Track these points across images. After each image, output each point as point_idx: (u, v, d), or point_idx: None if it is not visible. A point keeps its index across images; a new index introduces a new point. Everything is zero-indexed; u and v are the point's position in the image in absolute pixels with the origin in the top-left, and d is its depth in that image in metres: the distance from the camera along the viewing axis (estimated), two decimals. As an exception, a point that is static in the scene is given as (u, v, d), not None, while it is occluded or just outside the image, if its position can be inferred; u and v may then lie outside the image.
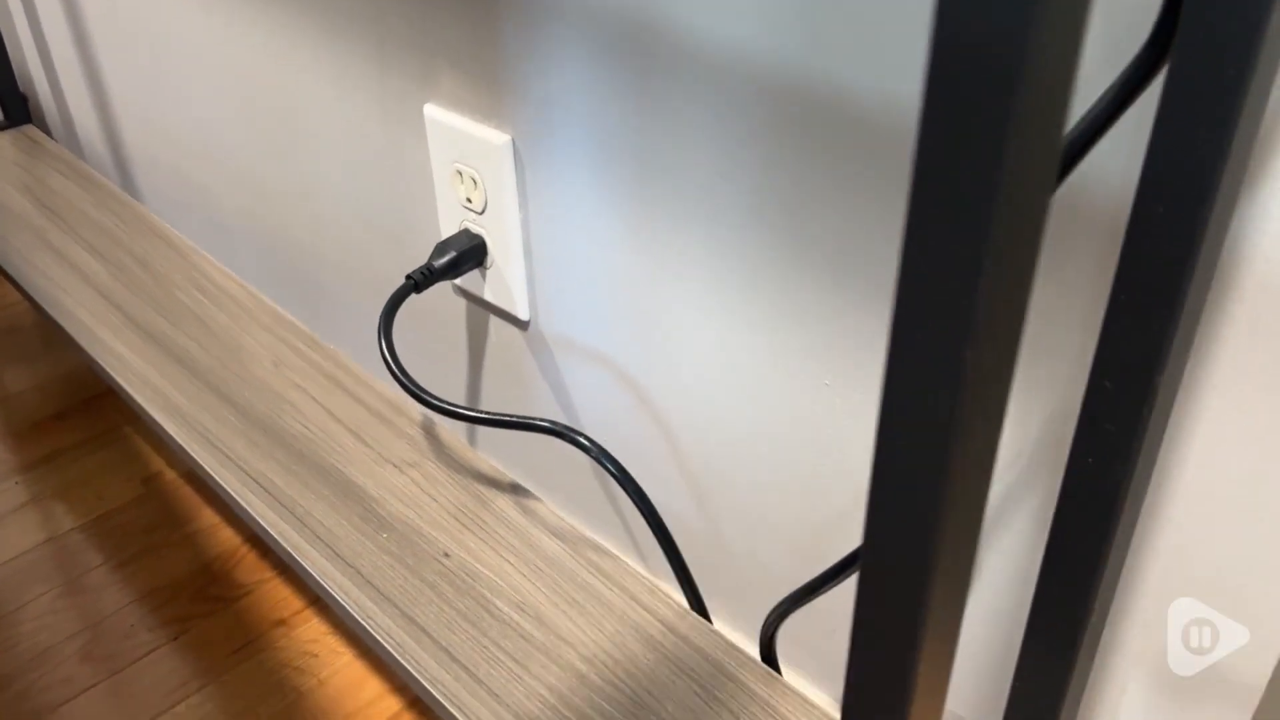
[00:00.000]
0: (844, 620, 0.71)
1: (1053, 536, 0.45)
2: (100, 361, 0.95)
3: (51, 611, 0.99)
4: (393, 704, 0.90)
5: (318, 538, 0.76)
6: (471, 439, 0.96)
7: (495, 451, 0.94)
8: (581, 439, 0.72)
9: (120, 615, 0.99)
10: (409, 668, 0.66)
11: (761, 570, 0.73)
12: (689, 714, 0.63)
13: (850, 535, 0.66)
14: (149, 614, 0.99)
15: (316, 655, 0.95)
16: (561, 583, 0.72)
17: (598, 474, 0.85)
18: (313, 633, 0.97)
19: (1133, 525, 0.50)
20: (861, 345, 0.58)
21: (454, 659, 0.67)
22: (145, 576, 1.03)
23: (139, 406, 0.90)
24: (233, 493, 0.80)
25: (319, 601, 1.00)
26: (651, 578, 0.74)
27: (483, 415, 0.73)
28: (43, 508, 1.11)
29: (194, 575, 1.03)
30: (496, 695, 0.65)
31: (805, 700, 0.64)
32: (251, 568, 1.04)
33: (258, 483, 0.81)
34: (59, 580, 1.03)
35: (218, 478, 0.81)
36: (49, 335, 1.40)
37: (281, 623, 0.98)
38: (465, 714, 0.64)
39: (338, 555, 0.74)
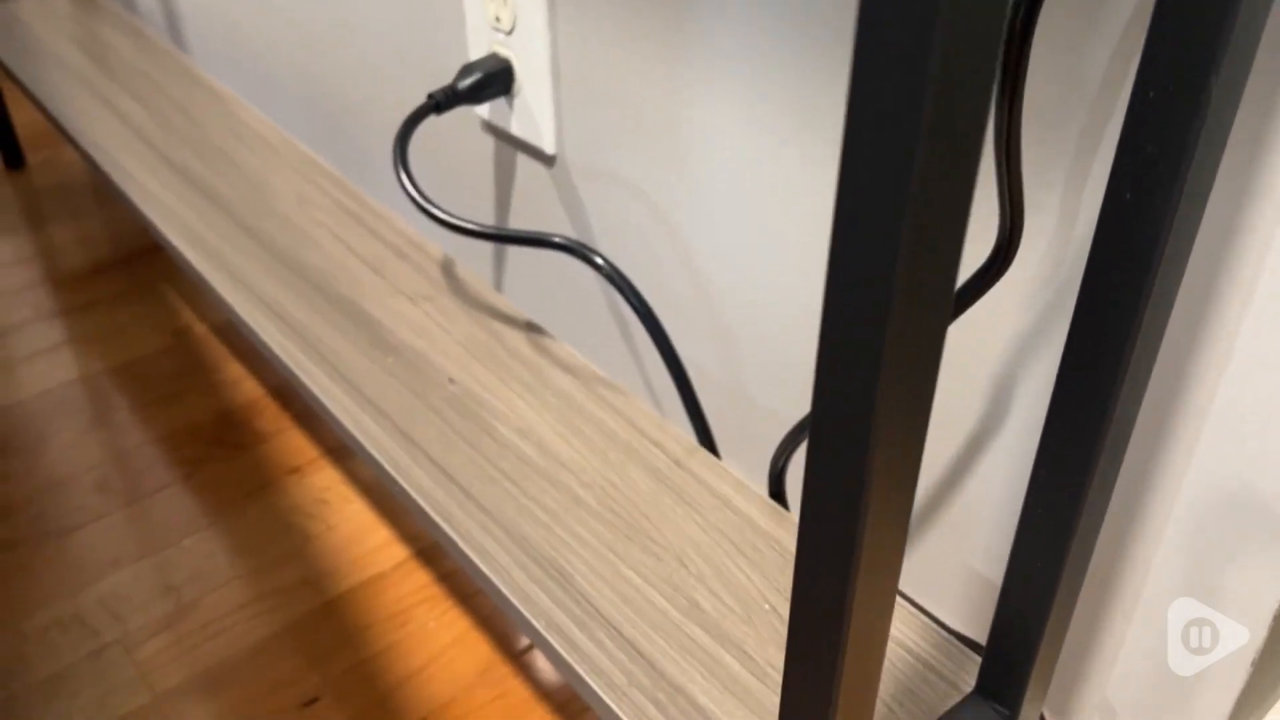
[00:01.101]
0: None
1: (1072, 332, 0.40)
2: (127, 191, 0.93)
3: (73, 445, 0.99)
4: (399, 552, 0.88)
5: (321, 356, 0.73)
6: (498, 284, 0.92)
7: (517, 297, 0.91)
8: (596, 258, 0.68)
9: (138, 453, 0.98)
10: (400, 480, 0.64)
11: (779, 422, 0.69)
12: (688, 541, 0.60)
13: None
14: (166, 454, 0.98)
15: (328, 502, 0.93)
16: (568, 414, 0.69)
17: (619, 320, 0.81)
18: (326, 481, 0.95)
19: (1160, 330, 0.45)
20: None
21: (448, 475, 0.64)
22: (166, 420, 1.02)
23: (156, 229, 0.88)
24: (237, 309, 0.78)
25: (334, 451, 0.98)
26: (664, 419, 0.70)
27: (490, 230, 0.70)
28: (76, 350, 1.11)
29: (214, 422, 1.02)
30: (488, 511, 0.62)
31: (812, 539, 0.60)
32: (272, 417, 1.03)
33: (265, 304, 0.79)
34: (84, 417, 1.02)
35: (221, 292, 0.80)
36: (101, 193, 1.40)
37: (296, 470, 0.97)
38: (453, 526, 0.61)
39: (339, 374, 0.72)
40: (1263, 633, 0.51)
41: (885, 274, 0.26)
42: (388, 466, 0.64)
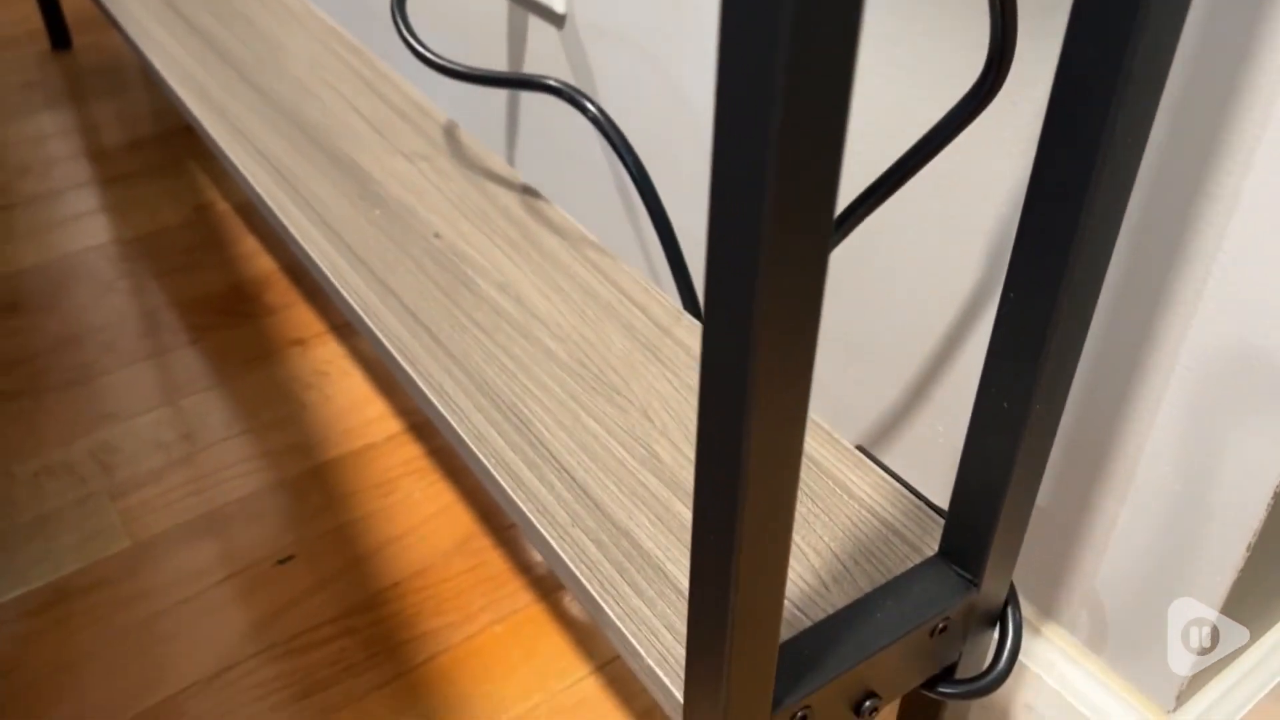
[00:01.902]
0: (835, 326, 0.63)
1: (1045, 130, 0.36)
2: (140, 45, 0.92)
3: (86, 307, 0.99)
4: (392, 425, 0.87)
5: (307, 203, 0.71)
6: (511, 159, 0.90)
7: (526, 171, 0.88)
8: (588, 104, 0.64)
9: (147, 318, 0.98)
10: (369, 323, 0.62)
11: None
12: (656, 397, 0.57)
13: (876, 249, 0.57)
14: (175, 320, 0.98)
15: (327, 375, 0.92)
16: (552, 272, 0.66)
17: (624, 198, 0.78)
18: (328, 354, 0.94)
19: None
20: (933, 32, 0.49)
21: (417, 320, 0.62)
22: (178, 288, 1.02)
23: (163, 80, 0.87)
24: (228, 152, 0.76)
25: (339, 328, 0.97)
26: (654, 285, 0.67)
27: (480, 73, 0.67)
28: (101, 219, 1.11)
29: (225, 292, 1.01)
30: (453, 355, 0.59)
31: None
32: (282, 292, 1.01)
33: (261, 152, 0.77)
34: (99, 281, 1.02)
35: (215, 136, 0.78)
36: (140, 75, 1.40)
37: (300, 342, 0.95)
38: (415, 366, 0.58)
39: (323, 220, 0.70)
40: (1261, 510, 0.46)
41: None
42: (356, 306, 0.62)
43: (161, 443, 0.85)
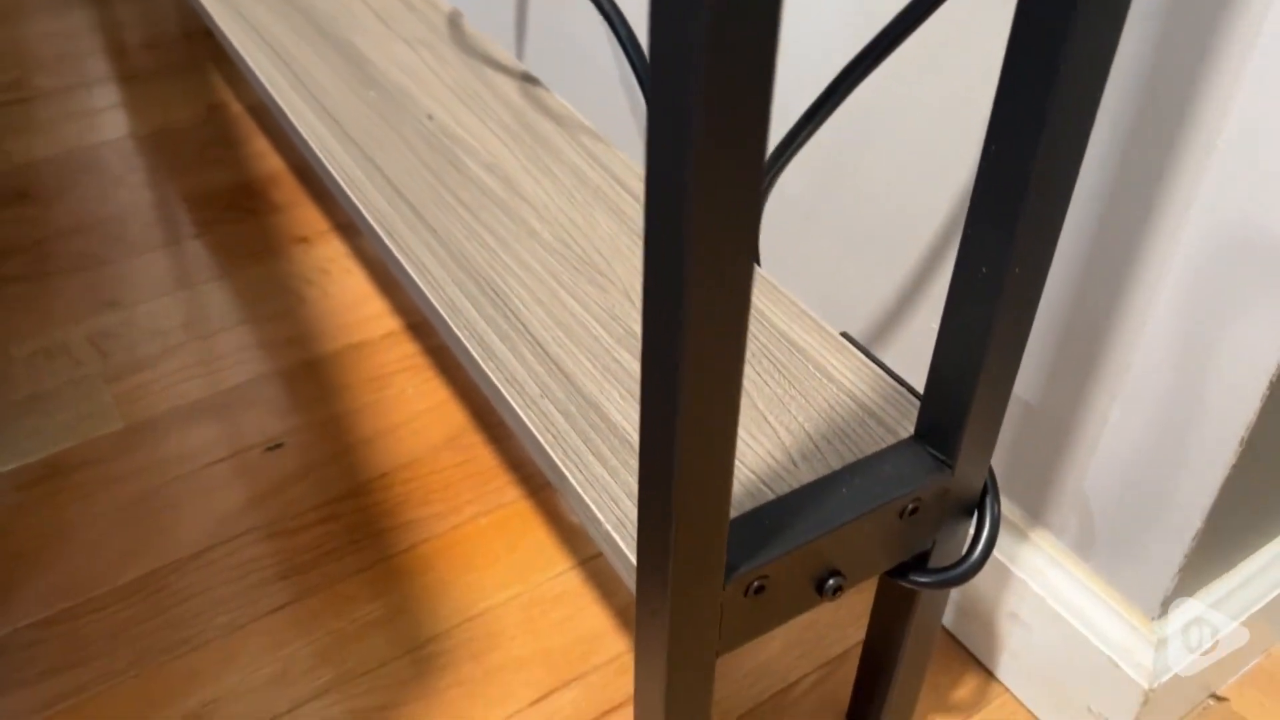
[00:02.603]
0: (829, 216, 0.61)
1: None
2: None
3: (94, 198, 0.99)
4: (391, 323, 0.86)
5: (298, 80, 0.70)
6: (520, 53, 0.88)
7: (530, 63, 0.86)
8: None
9: (152, 209, 0.98)
10: (351, 195, 0.60)
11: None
12: (640, 279, 0.55)
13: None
14: (181, 214, 0.97)
15: (329, 272, 0.91)
16: (543, 156, 0.64)
17: (629, 92, 0.76)
18: (331, 253, 0.93)
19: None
20: None
21: (400, 194, 0.61)
22: (186, 183, 1.01)
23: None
24: (221, 25, 0.75)
25: (344, 227, 0.96)
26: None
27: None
28: (116, 115, 1.11)
29: (232, 189, 1.01)
30: (433, 230, 0.58)
31: (778, 290, 0.55)
32: (288, 191, 1.01)
33: (259, 32, 0.75)
34: (109, 174, 1.02)
35: (211, 12, 0.77)
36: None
37: (303, 240, 0.95)
38: (394, 238, 0.57)
39: (314, 98, 0.68)
40: (1256, 402, 0.44)
41: None
42: (339, 179, 0.61)
43: (159, 331, 0.84)
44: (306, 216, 0.97)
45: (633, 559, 0.41)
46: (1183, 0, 0.41)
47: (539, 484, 0.73)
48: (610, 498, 0.44)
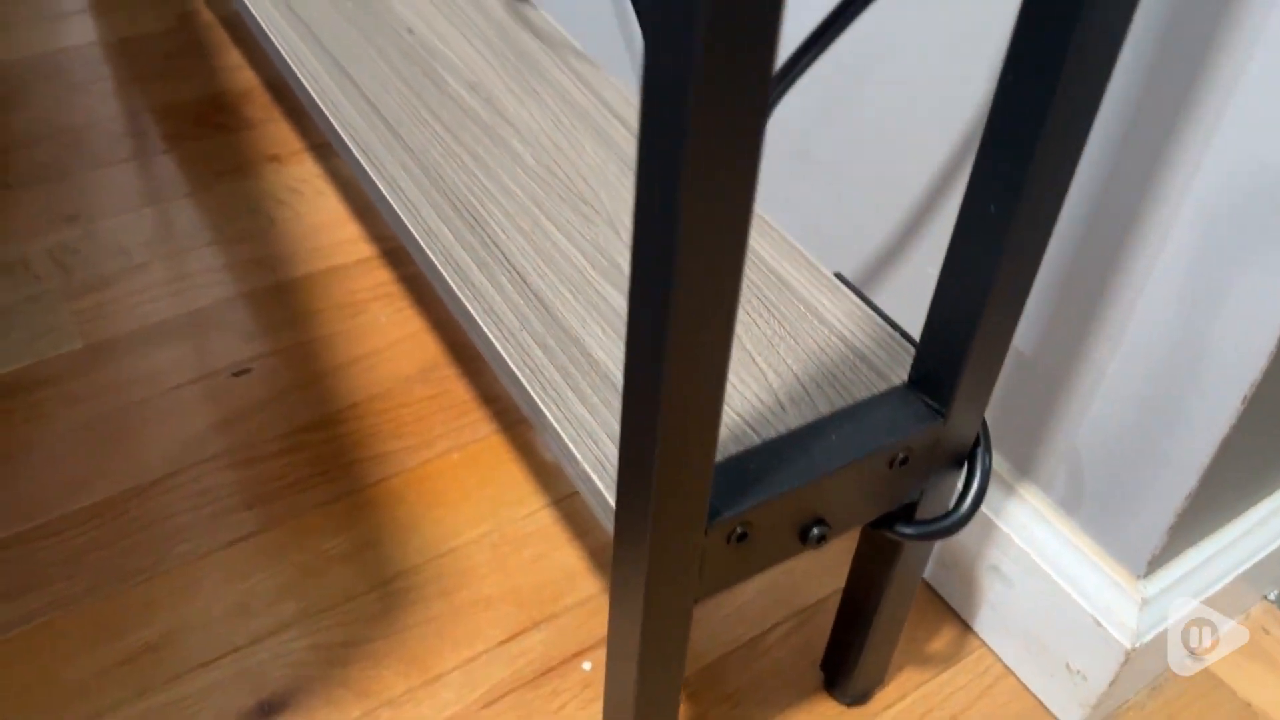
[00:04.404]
0: (827, 155, 0.59)
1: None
2: None
3: (54, 107, 0.94)
4: (365, 249, 0.83)
5: (274, -13, 0.66)
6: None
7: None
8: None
9: (118, 121, 0.93)
10: (324, 109, 0.57)
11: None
12: (627, 209, 0.53)
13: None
14: (148, 126, 0.93)
15: (301, 193, 0.88)
16: (528, 76, 0.61)
17: (622, 17, 0.73)
18: (304, 173, 0.90)
19: None
20: None
21: (376, 110, 0.57)
22: (153, 94, 0.97)
23: None
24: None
25: (319, 147, 0.93)
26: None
27: None
28: (81, 20, 1.06)
29: (202, 102, 0.97)
30: (410, 149, 0.55)
31: (770, 225, 0.53)
32: (261, 106, 0.97)
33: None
34: (70, 82, 0.97)
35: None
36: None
37: (275, 158, 0.91)
38: (370, 158, 0.54)
39: (287, 5, 0.65)
40: (1263, 359, 0.43)
41: None
42: (311, 91, 0.58)
43: (123, 248, 0.81)
44: (280, 134, 0.94)
45: (611, 501, 0.39)
46: (1217, -72, 0.38)
47: (514, 419, 0.71)
48: (589, 436, 0.42)
